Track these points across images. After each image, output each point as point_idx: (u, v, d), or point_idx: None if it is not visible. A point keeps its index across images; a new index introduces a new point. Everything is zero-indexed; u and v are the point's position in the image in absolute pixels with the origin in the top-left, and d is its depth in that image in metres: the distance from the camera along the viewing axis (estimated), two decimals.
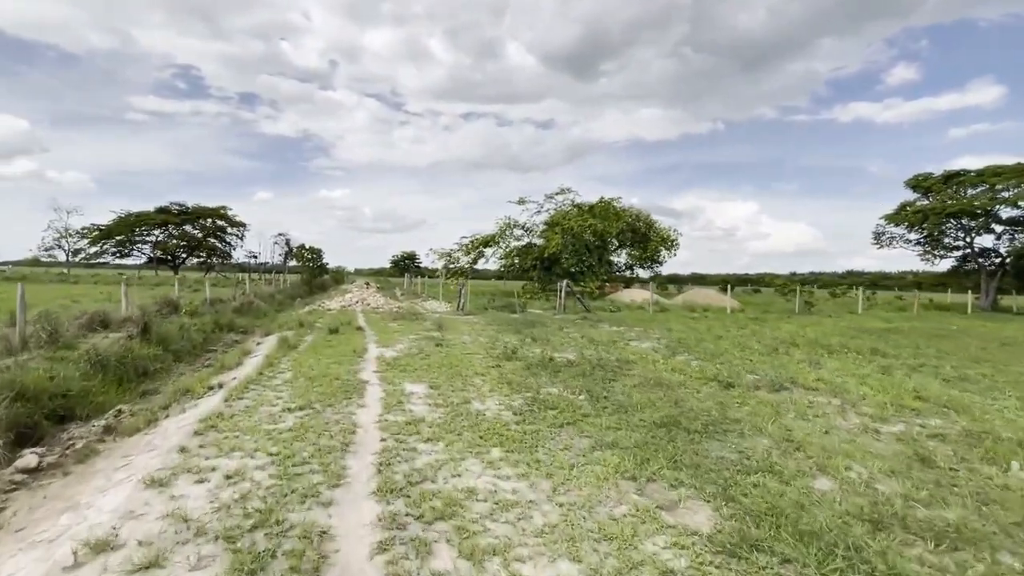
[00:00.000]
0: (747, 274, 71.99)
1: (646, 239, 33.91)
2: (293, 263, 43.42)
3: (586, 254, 30.45)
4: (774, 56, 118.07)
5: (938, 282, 37.65)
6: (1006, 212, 28.62)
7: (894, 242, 32.31)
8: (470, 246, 32.24)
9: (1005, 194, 27.84)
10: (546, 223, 31.44)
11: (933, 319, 22.13)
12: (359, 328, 12.97)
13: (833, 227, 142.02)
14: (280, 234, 45.50)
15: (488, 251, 32.00)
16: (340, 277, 63.53)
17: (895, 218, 31.41)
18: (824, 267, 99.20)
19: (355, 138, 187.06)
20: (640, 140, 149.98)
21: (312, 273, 35.11)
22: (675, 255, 37.48)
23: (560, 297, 20.11)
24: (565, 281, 20.30)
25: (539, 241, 31.07)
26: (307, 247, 37.22)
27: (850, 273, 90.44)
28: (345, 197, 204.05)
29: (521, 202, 31.55)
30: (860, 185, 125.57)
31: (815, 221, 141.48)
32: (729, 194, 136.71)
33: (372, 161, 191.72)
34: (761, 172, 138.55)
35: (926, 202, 30.67)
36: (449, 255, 33.09)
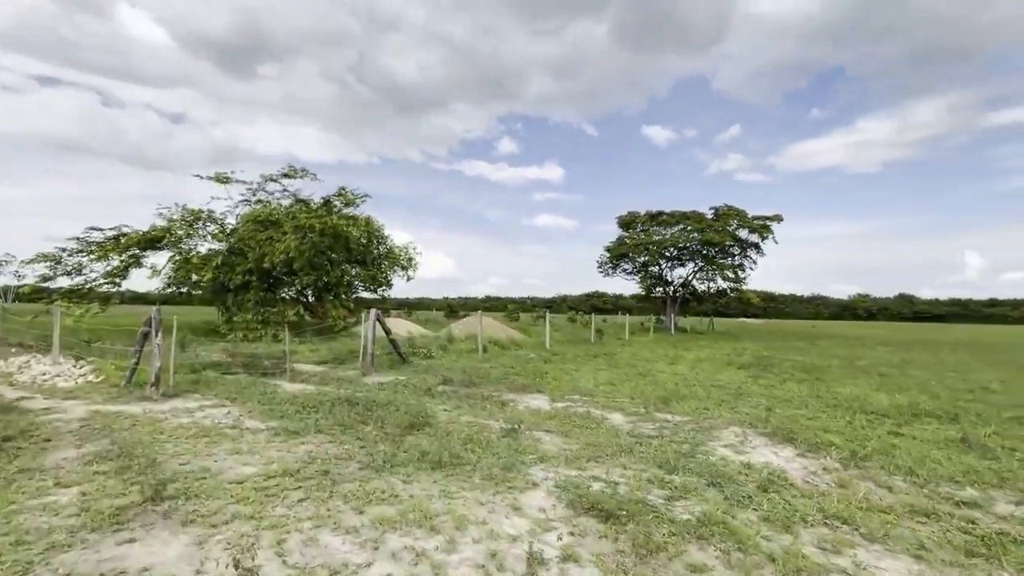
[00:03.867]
0: (407, 298, 73.69)
1: (377, 255, 26.32)
2: None
3: (328, 268, 21.08)
4: (422, 107, 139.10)
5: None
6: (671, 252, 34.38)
7: (615, 271, 35.34)
8: (113, 245, 17.68)
9: (683, 234, 33.42)
10: (257, 220, 20.21)
11: (666, 342, 23.22)
12: None
13: (465, 259, 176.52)
14: None
15: (157, 257, 18.21)
16: None
17: (616, 249, 34.24)
18: (462, 292, 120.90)
19: None
20: (297, 158, 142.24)
21: None
22: (412, 277, 30.93)
23: (366, 339, 11.11)
24: (375, 311, 11.37)
25: (240, 245, 19.59)
26: None
27: (488, 298, 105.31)
28: None
29: (224, 180, 19.28)
30: (481, 227, 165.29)
31: (452, 253, 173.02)
32: (386, 224, 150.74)
33: None
34: (413, 206, 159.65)
35: (634, 238, 34.49)
36: (58, 261, 17.44)
